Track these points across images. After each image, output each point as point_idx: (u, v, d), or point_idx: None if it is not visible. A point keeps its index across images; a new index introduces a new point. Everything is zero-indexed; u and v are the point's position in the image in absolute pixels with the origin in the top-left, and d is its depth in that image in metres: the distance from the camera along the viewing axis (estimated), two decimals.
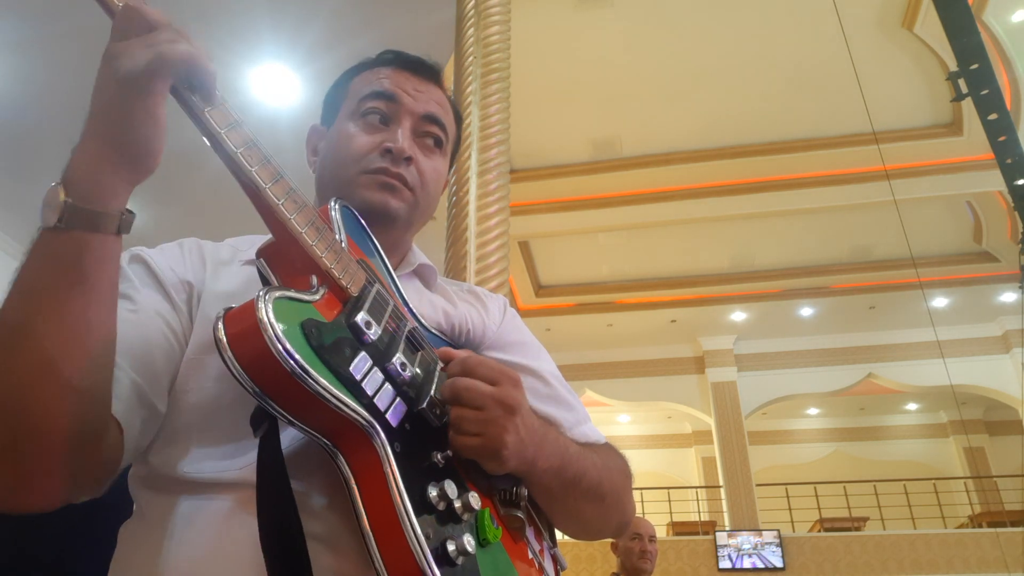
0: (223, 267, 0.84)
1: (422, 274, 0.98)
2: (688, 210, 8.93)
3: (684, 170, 8.54)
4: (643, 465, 14.48)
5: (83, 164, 0.59)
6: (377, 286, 0.74)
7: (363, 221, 0.84)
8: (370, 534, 0.59)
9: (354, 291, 0.70)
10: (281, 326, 0.58)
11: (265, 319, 0.57)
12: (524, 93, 4.86)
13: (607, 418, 15.13)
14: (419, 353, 0.73)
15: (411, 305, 0.83)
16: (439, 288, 0.99)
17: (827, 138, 8.20)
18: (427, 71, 0.98)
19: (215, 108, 0.64)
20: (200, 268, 0.83)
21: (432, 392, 0.69)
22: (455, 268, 2.91)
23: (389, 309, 0.73)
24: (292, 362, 0.57)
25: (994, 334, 11.79)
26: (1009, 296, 10.72)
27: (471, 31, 3.45)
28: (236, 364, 0.57)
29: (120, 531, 0.75)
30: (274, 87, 5.18)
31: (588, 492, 0.81)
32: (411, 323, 0.77)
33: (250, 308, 0.58)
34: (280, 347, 0.56)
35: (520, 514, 0.73)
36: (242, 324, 0.58)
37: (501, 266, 2.88)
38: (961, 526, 11.81)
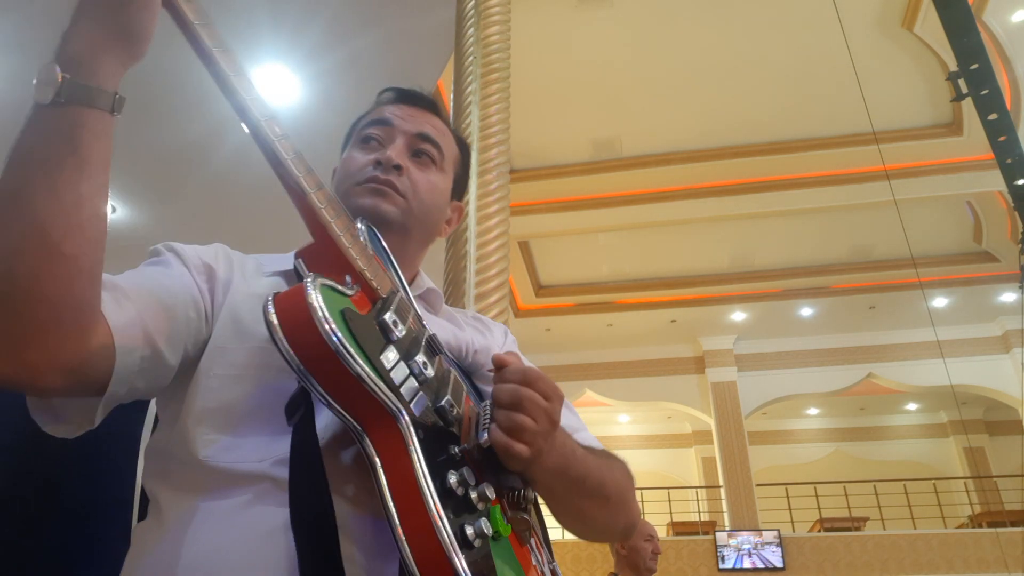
0: (250, 274, 0.88)
1: (428, 299, 1.02)
2: (688, 210, 8.94)
3: (684, 170, 8.54)
4: (643, 465, 14.49)
5: (80, 44, 0.62)
6: (401, 293, 0.80)
7: (384, 242, 0.89)
8: (394, 514, 0.61)
9: (383, 293, 0.75)
10: (327, 309, 0.63)
11: (315, 303, 0.63)
12: (524, 93, 4.86)
13: (607, 418, 15.14)
14: (437, 357, 0.78)
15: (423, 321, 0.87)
16: (445, 313, 1.04)
17: (827, 138, 8.20)
18: (423, 102, 1.04)
19: (272, 119, 0.72)
20: (227, 266, 0.86)
21: (448, 395, 0.72)
22: (455, 268, 2.90)
23: (411, 314, 0.79)
24: (337, 342, 0.62)
25: (994, 334, 11.79)
26: (1009, 296, 10.73)
27: (471, 31, 3.43)
28: (285, 343, 0.63)
29: (134, 530, 0.76)
30: (274, 87, 5.18)
31: (592, 492, 0.84)
32: (429, 330, 0.81)
33: (300, 292, 0.64)
34: (328, 328, 0.62)
35: (527, 516, 0.76)
36: (292, 306, 0.64)
37: (501, 266, 2.87)
38: (961, 526, 11.81)
